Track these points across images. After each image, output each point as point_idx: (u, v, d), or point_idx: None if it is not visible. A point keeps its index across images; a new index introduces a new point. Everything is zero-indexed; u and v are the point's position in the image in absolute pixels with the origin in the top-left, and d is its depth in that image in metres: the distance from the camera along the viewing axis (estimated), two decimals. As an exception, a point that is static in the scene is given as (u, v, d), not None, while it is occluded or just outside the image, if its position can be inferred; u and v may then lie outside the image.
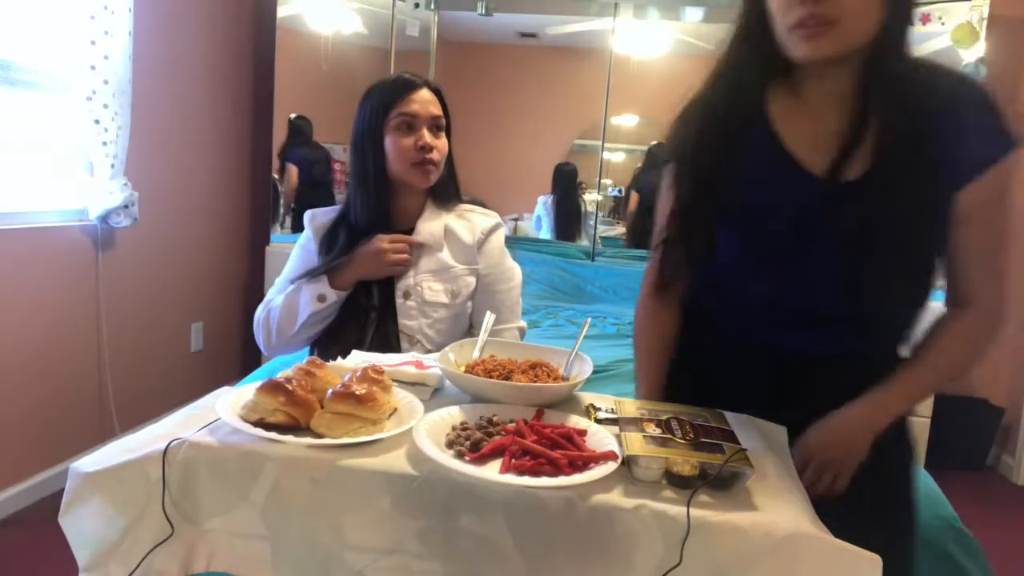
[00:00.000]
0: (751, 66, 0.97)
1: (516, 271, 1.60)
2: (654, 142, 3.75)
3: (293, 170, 3.46)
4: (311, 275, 1.46)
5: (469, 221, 1.54)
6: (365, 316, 1.47)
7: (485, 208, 1.61)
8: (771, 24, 0.92)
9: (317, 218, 1.57)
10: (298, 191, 3.48)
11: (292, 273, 1.55)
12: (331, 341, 1.48)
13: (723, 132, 0.97)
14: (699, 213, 1.01)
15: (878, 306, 0.92)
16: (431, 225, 1.50)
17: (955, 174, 0.91)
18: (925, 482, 1.39)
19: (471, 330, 1.54)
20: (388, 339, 1.46)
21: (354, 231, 1.48)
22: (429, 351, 1.44)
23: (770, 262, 0.99)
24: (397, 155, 1.43)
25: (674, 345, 1.13)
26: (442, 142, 1.47)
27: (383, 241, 1.43)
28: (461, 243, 1.51)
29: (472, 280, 1.52)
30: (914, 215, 0.92)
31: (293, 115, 3.45)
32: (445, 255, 1.49)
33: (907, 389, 0.97)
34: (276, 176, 3.44)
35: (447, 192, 1.54)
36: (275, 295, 1.54)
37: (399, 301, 1.46)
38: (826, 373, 0.99)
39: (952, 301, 0.99)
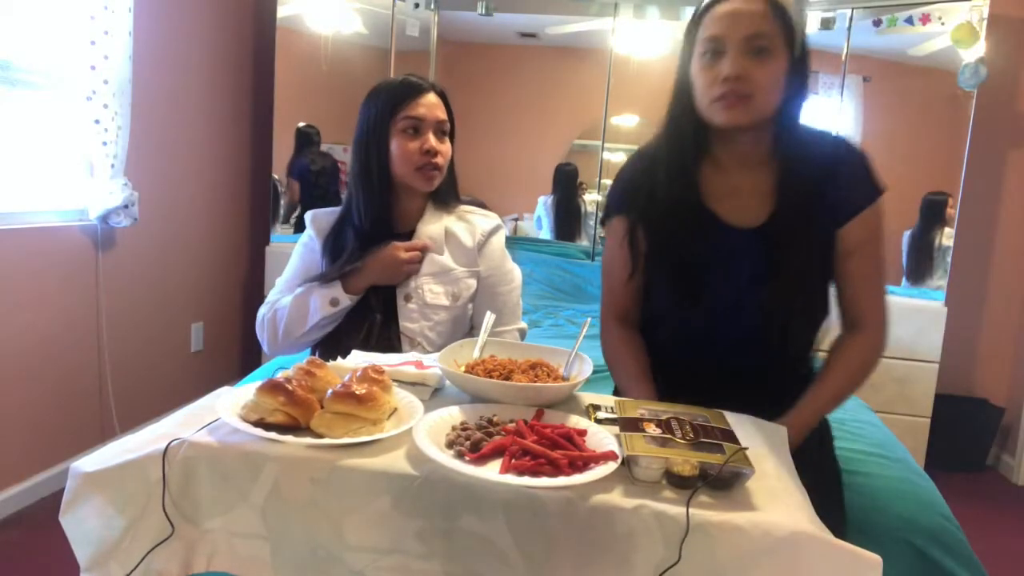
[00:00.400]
0: (685, 140, 1.19)
1: (516, 273, 1.60)
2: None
3: (295, 186, 3.47)
4: (323, 279, 1.46)
5: (469, 223, 1.54)
6: (369, 319, 1.47)
7: (485, 209, 1.61)
8: (695, 101, 1.15)
9: (319, 219, 1.57)
10: (305, 202, 3.47)
11: (295, 273, 1.55)
12: (334, 342, 1.48)
13: (663, 199, 1.20)
14: (647, 265, 1.24)
15: (788, 325, 1.12)
16: (431, 227, 1.51)
17: (837, 215, 1.16)
18: (917, 482, 1.39)
19: (472, 331, 1.54)
20: (390, 341, 1.47)
21: (359, 233, 1.48)
22: (429, 352, 1.44)
23: (701, 300, 1.20)
24: (402, 158, 1.44)
25: (646, 358, 1.29)
26: (446, 146, 1.48)
27: (399, 250, 1.44)
28: (462, 245, 1.51)
29: (473, 282, 1.52)
30: (808, 250, 1.15)
31: (301, 124, 3.45)
32: (445, 258, 1.50)
33: (817, 406, 1.19)
34: (276, 177, 3.44)
35: (448, 194, 1.54)
36: (279, 295, 1.53)
37: (400, 303, 1.47)
38: (753, 380, 1.19)
39: (846, 325, 1.23)
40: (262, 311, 1.54)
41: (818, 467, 1.25)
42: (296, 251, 1.58)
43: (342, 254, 1.49)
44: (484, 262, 1.53)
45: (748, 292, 1.17)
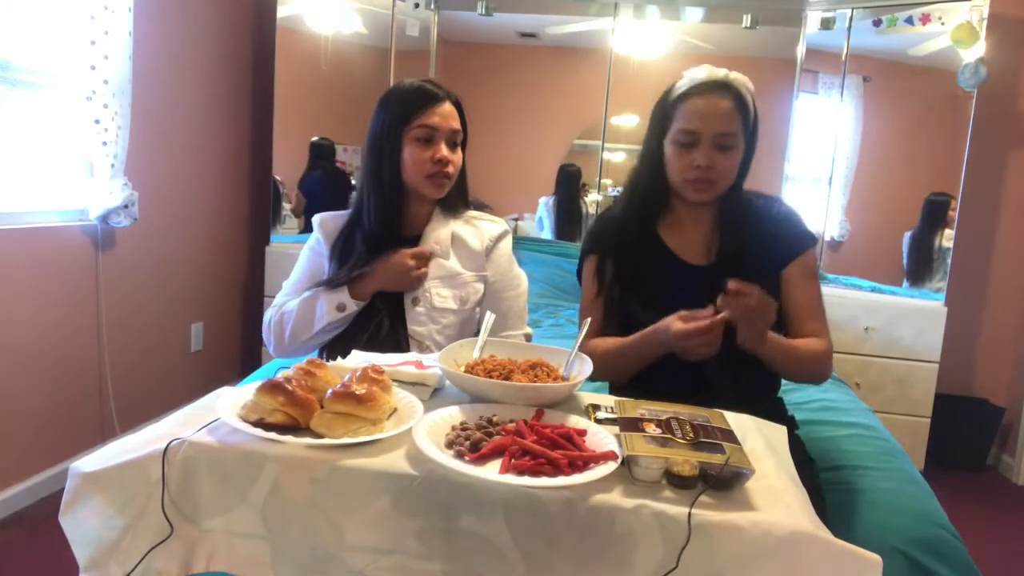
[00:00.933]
0: (649, 199, 1.45)
1: (523, 278, 1.61)
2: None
3: (301, 201, 3.48)
4: (331, 284, 1.47)
5: (477, 228, 1.56)
6: (377, 323, 1.48)
7: (492, 215, 1.62)
8: (666, 170, 1.41)
9: (327, 222, 1.58)
10: (311, 216, 3.48)
11: (302, 276, 1.56)
12: (342, 345, 1.49)
13: (632, 244, 1.45)
14: (620, 296, 1.45)
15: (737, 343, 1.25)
16: (439, 232, 1.52)
17: (778, 259, 1.42)
18: (912, 491, 1.39)
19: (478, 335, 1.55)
20: (398, 344, 1.48)
21: (368, 237, 1.49)
22: None
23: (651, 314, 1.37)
24: (413, 166, 1.45)
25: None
26: (457, 156, 1.50)
27: (407, 256, 1.45)
28: (469, 250, 1.53)
29: (480, 287, 1.53)
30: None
31: (315, 137, 3.45)
32: (452, 262, 1.51)
33: (775, 348, 1.32)
34: (279, 179, 3.44)
35: (456, 200, 1.56)
36: (286, 298, 1.54)
37: (408, 307, 1.48)
38: (720, 384, 1.34)
39: None
40: (268, 314, 1.55)
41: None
42: (303, 254, 1.59)
43: (350, 258, 1.49)
44: (491, 267, 1.55)
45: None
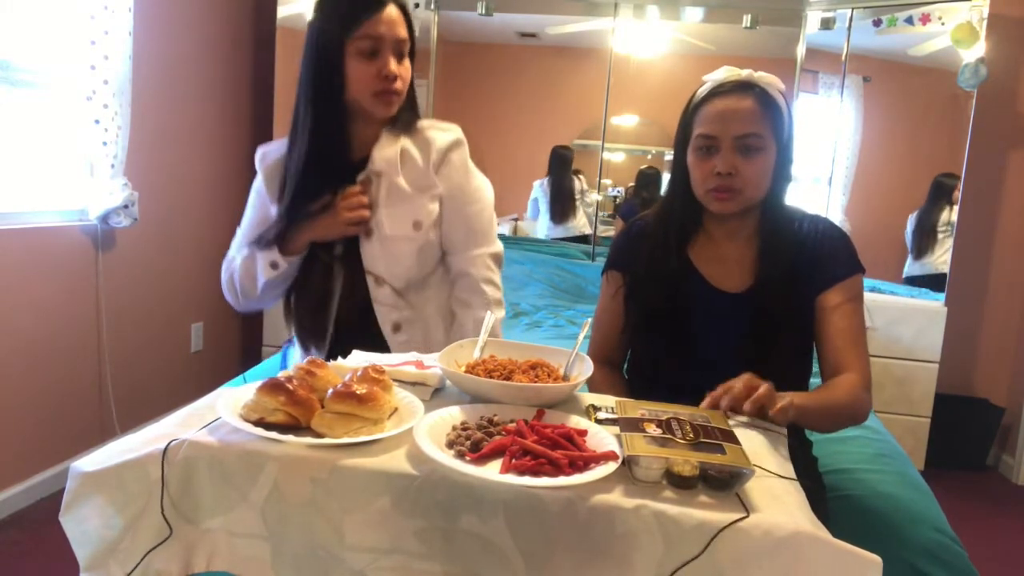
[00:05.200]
0: (680, 216, 1.33)
1: (485, 190, 1.46)
2: (644, 167, 3.77)
3: None
4: (260, 243, 1.37)
5: (425, 140, 1.39)
6: (328, 266, 1.39)
7: (446, 123, 1.46)
8: (691, 184, 1.28)
9: (268, 156, 1.45)
10: None
11: (248, 224, 1.46)
12: (301, 295, 1.43)
13: (658, 261, 1.33)
14: (644, 319, 1.34)
15: (771, 377, 1.06)
16: (387, 151, 1.37)
17: (818, 283, 1.27)
18: (911, 495, 1.39)
19: (444, 258, 1.46)
20: (355, 284, 1.39)
21: (301, 169, 1.34)
22: (397, 289, 1.38)
23: (694, 353, 1.30)
24: (358, 83, 1.30)
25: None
26: (406, 68, 1.34)
27: (341, 212, 1.33)
28: (417, 167, 1.38)
29: (434, 207, 1.39)
30: (786, 315, 1.26)
31: None
32: (401, 181, 1.37)
33: (804, 397, 1.14)
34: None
35: (407, 115, 1.40)
36: (236, 252, 1.46)
37: (362, 241, 1.37)
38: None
39: (827, 376, 1.25)
40: (223, 271, 1.47)
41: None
42: (251, 196, 1.47)
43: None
44: (444, 181, 1.40)
45: (734, 349, 1.28)
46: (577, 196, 3.86)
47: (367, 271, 1.37)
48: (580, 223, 3.87)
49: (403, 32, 1.31)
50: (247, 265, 1.41)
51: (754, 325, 1.27)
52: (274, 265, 1.35)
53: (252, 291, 1.42)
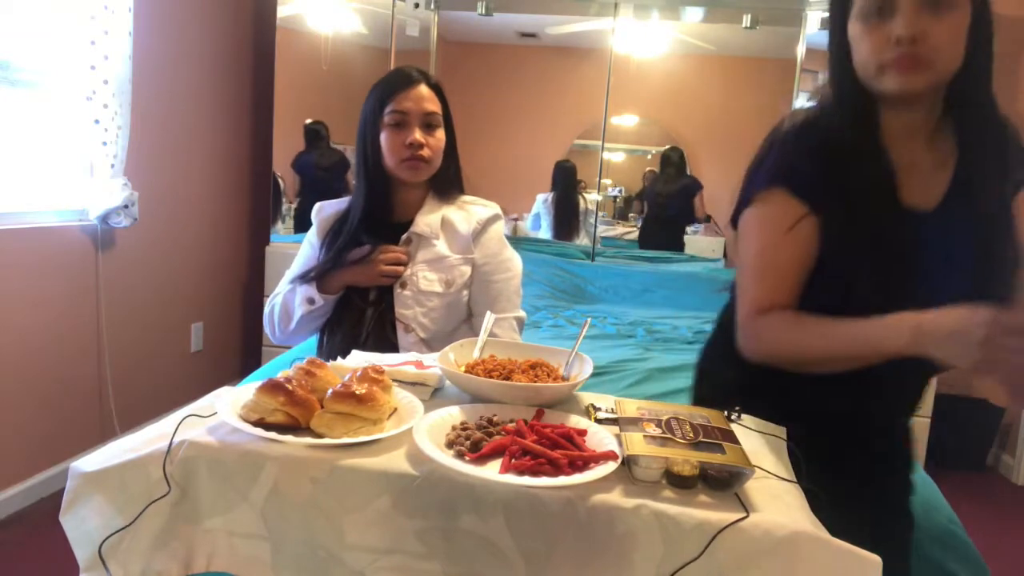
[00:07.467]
0: (857, 113, 1.00)
1: (515, 262, 1.60)
2: (668, 146, 3.74)
3: (294, 180, 3.50)
4: (302, 279, 1.51)
5: (467, 212, 1.56)
6: (361, 310, 1.51)
7: (486, 200, 1.63)
8: (856, 68, 0.97)
9: (324, 211, 1.61)
10: (307, 197, 3.49)
11: (297, 267, 1.59)
12: (333, 331, 1.54)
13: (852, 182, 0.98)
14: (840, 257, 0.99)
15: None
16: (430, 217, 1.53)
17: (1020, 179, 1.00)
18: (922, 485, 1.38)
19: (470, 319, 1.57)
20: (384, 328, 1.50)
21: (355, 226, 1.51)
22: (424, 339, 1.48)
23: (913, 295, 0.91)
24: (389, 151, 1.48)
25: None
26: (436, 138, 1.49)
27: (379, 264, 1.47)
28: (457, 233, 1.53)
29: (467, 269, 1.53)
30: (990, 231, 0.98)
31: (308, 120, 3.46)
32: (441, 246, 1.52)
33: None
34: (279, 174, 3.44)
35: (448, 185, 1.57)
36: (280, 288, 1.59)
37: (396, 290, 1.49)
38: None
39: None
40: (267, 304, 1.61)
41: (900, 512, 1.16)
42: (303, 244, 1.63)
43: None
44: (480, 250, 1.54)
45: (942, 281, 0.96)
46: (581, 217, 3.85)
47: (398, 319, 1.49)
48: (582, 242, 3.87)
49: (431, 106, 1.48)
50: (287, 299, 1.54)
51: (958, 248, 0.98)
52: (311, 300, 1.48)
53: (287, 325, 1.55)
